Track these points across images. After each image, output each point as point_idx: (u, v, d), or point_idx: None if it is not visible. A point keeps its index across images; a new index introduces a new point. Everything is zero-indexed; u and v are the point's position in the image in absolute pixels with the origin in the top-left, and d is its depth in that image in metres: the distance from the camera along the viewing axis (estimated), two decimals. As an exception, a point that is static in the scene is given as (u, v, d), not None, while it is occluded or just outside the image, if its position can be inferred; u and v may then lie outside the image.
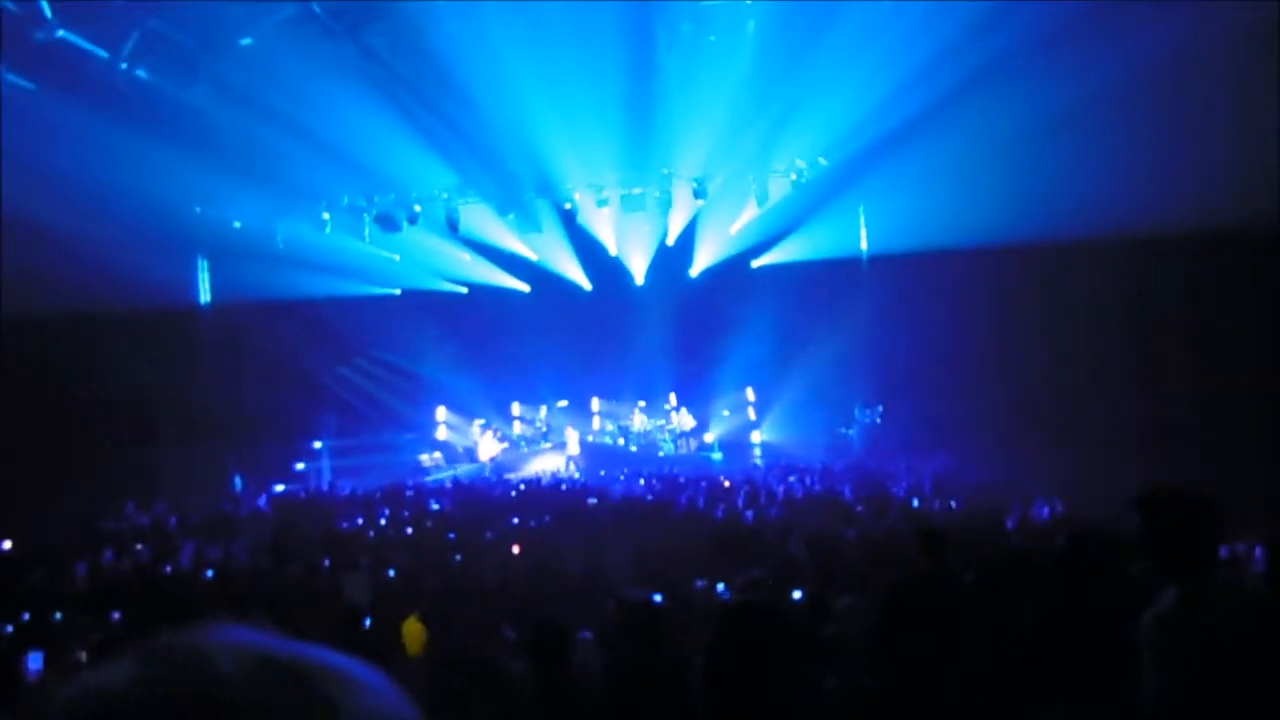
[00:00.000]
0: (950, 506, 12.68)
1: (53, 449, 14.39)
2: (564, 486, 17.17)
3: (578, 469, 20.36)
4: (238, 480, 18.29)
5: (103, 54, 12.65)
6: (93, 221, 13.76)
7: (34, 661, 4.43)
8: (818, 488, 15.02)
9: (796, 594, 6.81)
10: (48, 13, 11.49)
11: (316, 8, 12.32)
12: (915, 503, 12.95)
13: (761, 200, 18.79)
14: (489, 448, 21.24)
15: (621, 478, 17.58)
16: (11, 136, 12.33)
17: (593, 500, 14.42)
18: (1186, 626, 2.31)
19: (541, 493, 16.39)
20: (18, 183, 12.32)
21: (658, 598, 6.77)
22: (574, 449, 21.06)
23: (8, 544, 11.73)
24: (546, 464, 20.78)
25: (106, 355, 15.13)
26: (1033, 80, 12.55)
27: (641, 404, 21.85)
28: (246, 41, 13.10)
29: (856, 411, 19.74)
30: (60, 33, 11.71)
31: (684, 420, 21.39)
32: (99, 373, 15.09)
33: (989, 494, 13.16)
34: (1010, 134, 13.33)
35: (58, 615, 7.90)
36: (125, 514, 14.28)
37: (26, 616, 7.78)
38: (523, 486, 17.68)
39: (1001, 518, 10.76)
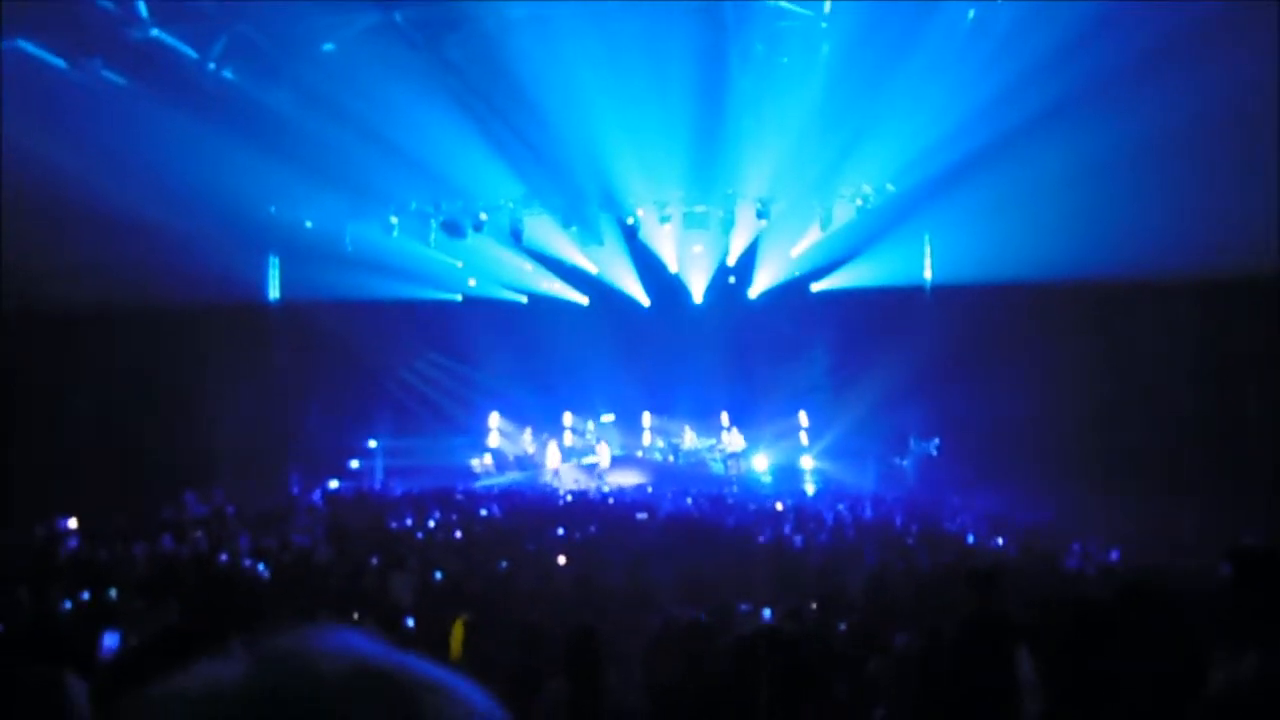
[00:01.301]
0: (1004, 544, 12.37)
1: (120, 437, 14.84)
2: (611, 500, 17.16)
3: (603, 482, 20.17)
4: (294, 475, 18.66)
5: (193, 54, 13.11)
6: (172, 215, 14.24)
7: (110, 640, 4.54)
8: (869, 516, 14.78)
9: (842, 625, 6.70)
10: (144, 12, 11.95)
11: (398, 17, 12.61)
12: (970, 539, 12.66)
13: (825, 224, 18.66)
14: (555, 458, 21.20)
15: (668, 495, 17.51)
16: (102, 130, 12.86)
17: (643, 515, 14.38)
18: (1268, 697, 2.16)
19: (589, 505, 16.41)
20: (104, 175, 12.82)
21: (702, 618, 6.72)
22: (604, 463, 20.95)
23: (73, 522, 12.13)
24: (620, 479, 20.58)
25: (176, 347, 15.61)
26: (1106, 114, 12.30)
27: (692, 423, 21.77)
28: (329, 47, 13.46)
29: (912, 442, 19.39)
30: (154, 32, 12.17)
31: (735, 441, 21.24)
32: (167, 364, 15.57)
33: (1045, 534, 12.81)
34: (1081, 168, 13.06)
35: (112, 593, 8.12)
36: (185, 503, 14.67)
37: (86, 595, 8.03)
38: (570, 498, 17.72)
39: (1059, 559, 10.47)
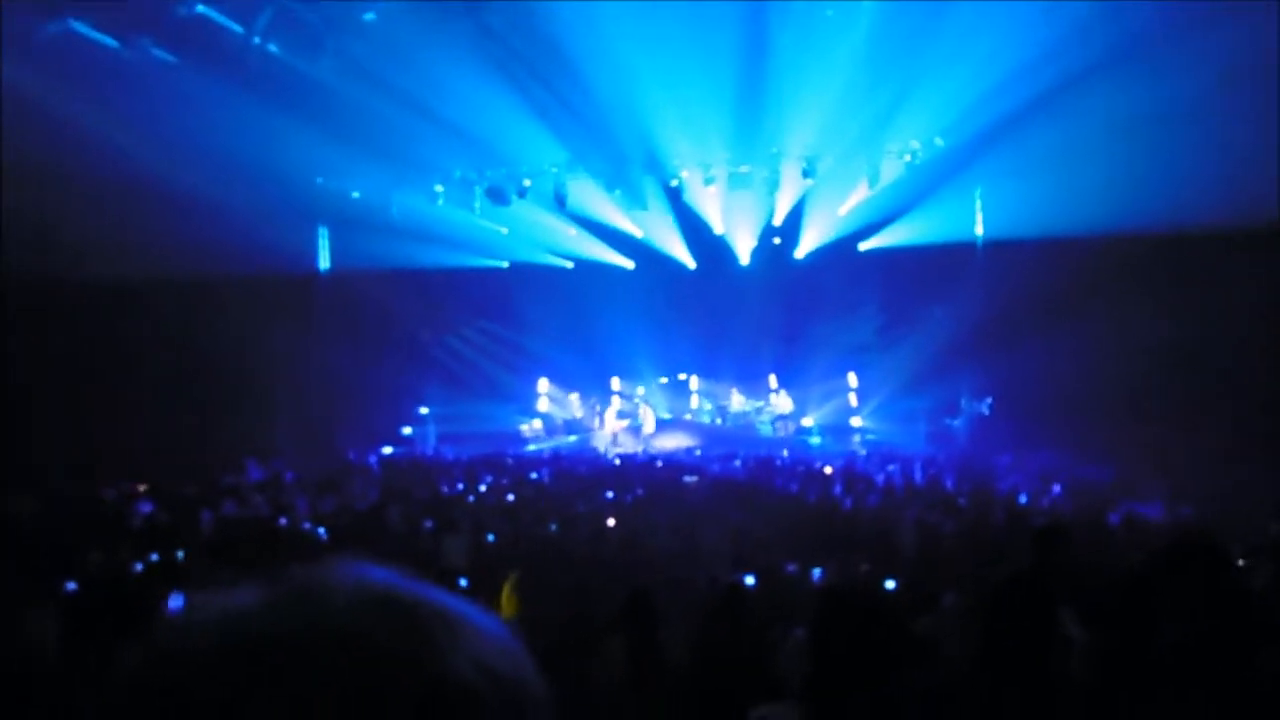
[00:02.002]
0: (1056, 503, 12.21)
1: (182, 406, 15.29)
2: (660, 464, 17.28)
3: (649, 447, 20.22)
4: (349, 441, 19.09)
5: (238, 29, 13.26)
6: (222, 189, 14.52)
7: (175, 602, 4.74)
8: (919, 477, 14.67)
9: (890, 584, 6.70)
10: (189, -11, 12.12)
11: (436, -16, 12.60)
12: (1023, 498, 12.52)
13: (873, 181, 18.34)
14: (613, 423, 21.33)
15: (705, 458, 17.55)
16: (154, 107, 13.12)
17: (691, 478, 14.45)
18: None
19: (638, 468, 16.54)
20: (157, 151, 13.10)
21: (750, 579, 6.77)
22: (650, 427, 20.99)
23: (142, 487, 12.58)
24: (668, 442, 20.65)
25: (233, 318, 15.99)
26: (1159, 62, 11.84)
27: (740, 385, 21.73)
28: (370, 17, 13.51)
29: (963, 402, 19.14)
30: (199, 8, 12.33)
31: (783, 403, 21.17)
32: (226, 334, 15.96)
33: (1100, 492, 12.60)
34: (1136, 117, 12.62)
35: (180, 554, 8.44)
36: (245, 469, 15.12)
37: (155, 556, 8.35)
38: (618, 461, 17.86)
39: (1105, 516, 10.31)
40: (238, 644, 0.57)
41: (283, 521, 11.00)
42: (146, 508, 11.19)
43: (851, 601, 4.04)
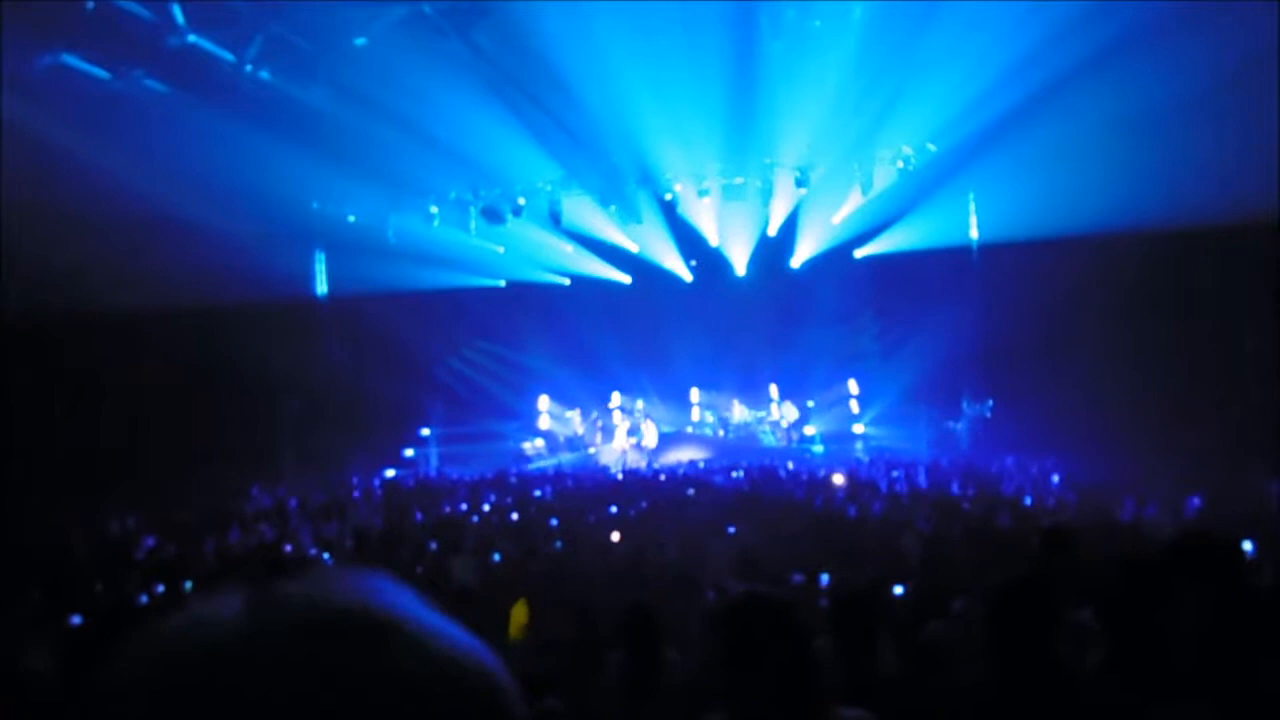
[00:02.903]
0: (1062, 504, 12.18)
1: (186, 433, 15.27)
2: (663, 477, 17.24)
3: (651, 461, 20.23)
4: (352, 465, 19.06)
5: (229, 57, 13.33)
6: (218, 217, 14.55)
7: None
8: (923, 483, 14.64)
9: (898, 589, 6.68)
10: (180, 19, 12.17)
11: (427, 8, 12.69)
12: (1028, 501, 12.49)
13: (866, 189, 18.40)
14: (622, 439, 21.35)
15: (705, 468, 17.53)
16: (146, 137, 13.17)
17: (691, 491, 14.43)
18: None
19: (642, 482, 16.50)
20: (151, 181, 13.14)
21: (755, 590, 6.73)
22: (651, 441, 20.99)
23: (144, 517, 12.55)
24: (671, 455, 20.63)
25: (233, 345, 15.98)
26: (1151, 62, 11.89)
27: (741, 396, 21.72)
28: (361, 42, 13.59)
29: (964, 405, 19.13)
30: (191, 38, 12.39)
31: (785, 412, 21.16)
32: (226, 361, 15.96)
33: (1102, 493, 12.57)
34: (1128, 118, 12.66)
35: (188, 585, 8.42)
36: (250, 495, 15.09)
37: (161, 588, 8.33)
38: (621, 477, 17.83)
39: (1113, 516, 10.28)
40: (210, 652, 0.58)
41: (288, 548, 10.97)
42: (151, 541, 11.17)
43: (859, 610, 4.03)
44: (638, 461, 20.12)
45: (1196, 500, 10.36)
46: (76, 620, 6.26)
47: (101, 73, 12.86)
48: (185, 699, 0.56)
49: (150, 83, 13.26)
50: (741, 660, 2.44)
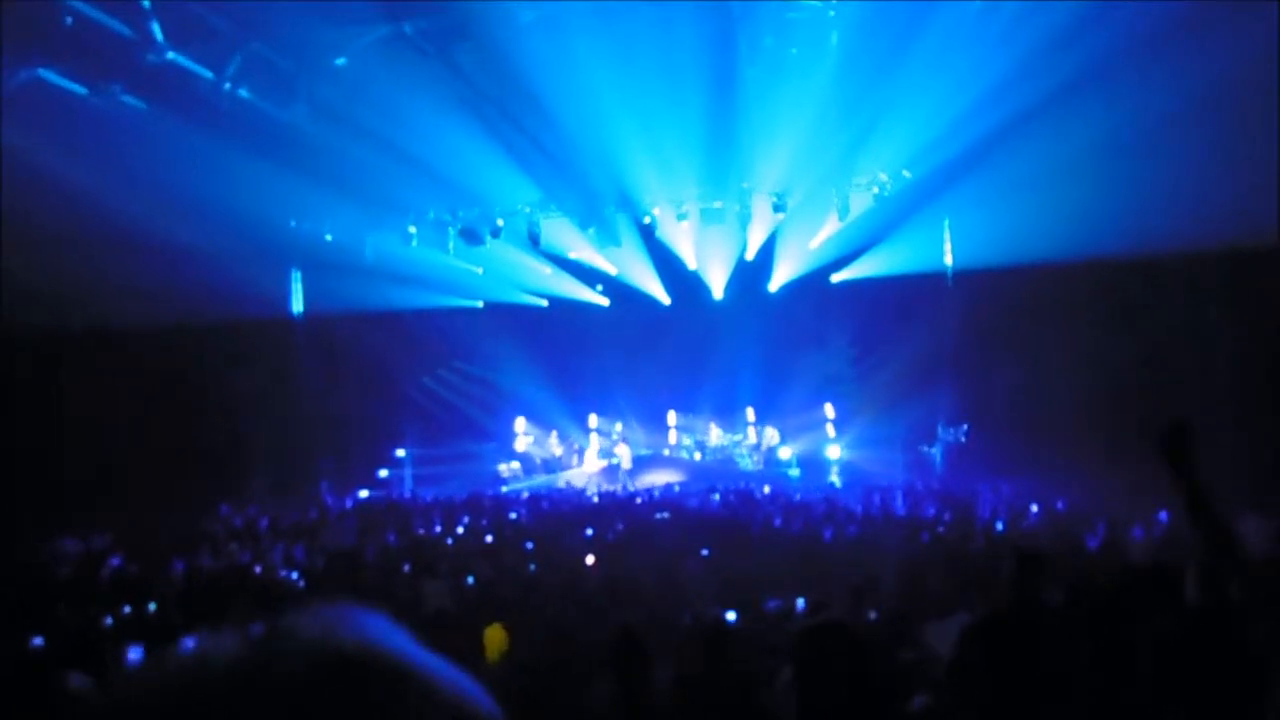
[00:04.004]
0: (1034, 529, 12.26)
1: (154, 452, 15.07)
2: (639, 500, 17.19)
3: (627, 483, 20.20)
4: (324, 485, 18.86)
5: (208, 75, 13.29)
6: (194, 234, 14.44)
7: (134, 654, 4.65)
8: (898, 507, 14.70)
9: (872, 614, 6.68)
10: (159, 35, 12.13)
11: (407, 28, 12.71)
12: (1000, 525, 12.56)
13: (843, 214, 18.58)
14: (592, 462, 21.31)
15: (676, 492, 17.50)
16: (125, 153, 13.07)
17: (663, 514, 14.40)
18: None
19: (617, 505, 16.45)
20: (128, 197, 13.03)
21: (731, 615, 6.73)
22: (626, 464, 20.96)
23: (110, 538, 12.32)
24: (647, 478, 20.59)
25: (206, 363, 15.83)
26: (1124, 88, 12.13)
27: (718, 419, 21.75)
28: (341, 62, 13.60)
29: (939, 429, 19.26)
30: (170, 54, 12.34)
31: (761, 435, 21.20)
32: (199, 379, 15.79)
33: (1077, 517, 12.68)
34: (1102, 144, 12.89)
35: (152, 606, 8.26)
36: (220, 515, 14.87)
37: (127, 609, 8.17)
38: (597, 499, 17.76)
39: (1083, 540, 10.37)
40: (193, 693, 0.57)
41: (258, 570, 10.82)
42: (116, 561, 10.97)
43: (834, 638, 4.03)
44: (613, 485, 20.06)
45: (1140, 532, 10.47)
46: (37, 642, 6.13)
47: (79, 88, 12.77)
48: None
49: (128, 99, 13.18)
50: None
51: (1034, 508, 12.92)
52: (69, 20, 11.24)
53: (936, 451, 19.35)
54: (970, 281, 17.88)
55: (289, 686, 0.57)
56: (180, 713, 0.56)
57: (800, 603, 7.34)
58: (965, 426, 18.93)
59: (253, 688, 0.57)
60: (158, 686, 0.58)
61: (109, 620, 7.75)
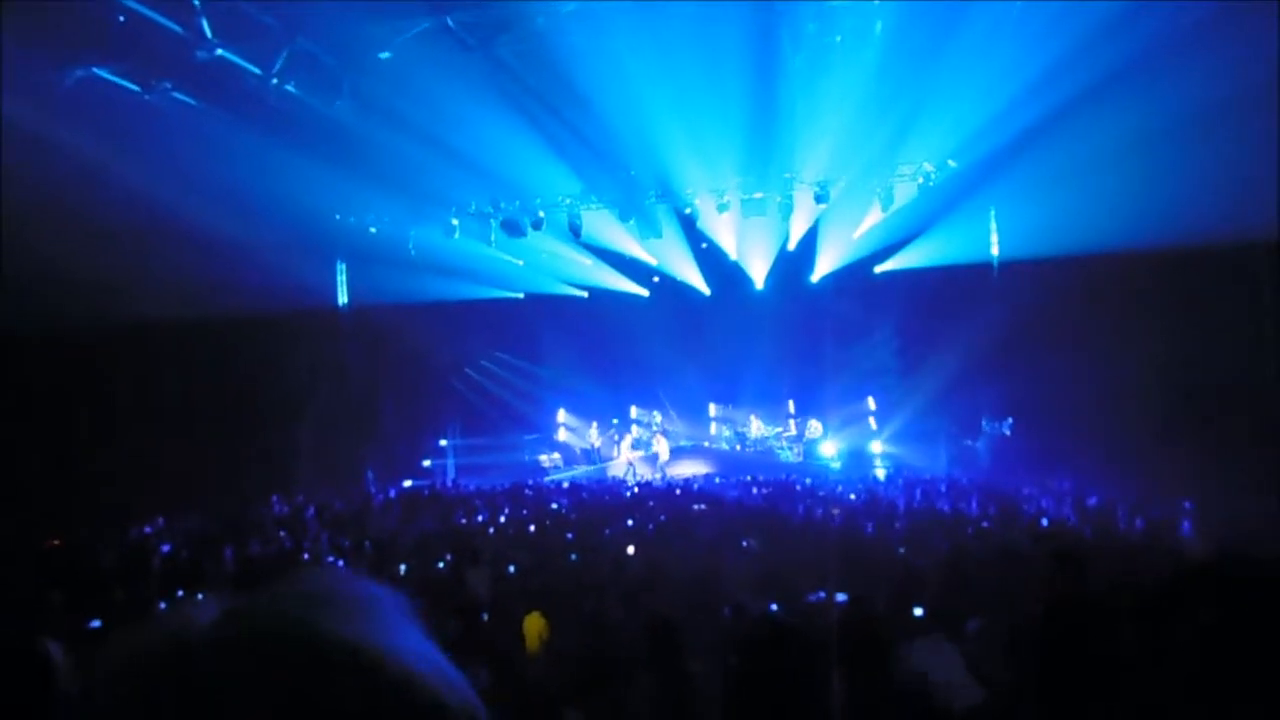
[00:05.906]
0: (1080, 525, 12.04)
1: (208, 442, 15.41)
2: (678, 491, 17.20)
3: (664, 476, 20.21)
4: (370, 475, 19.15)
5: (256, 71, 13.50)
6: (242, 228, 14.72)
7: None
8: (942, 501, 14.52)
9: (918, 611, 6.61)
10: (208, 33, 12.35)
11: (450, 21, 12.79)
12: (1045, 521, 12.36)
13: (886, 204, 18.37)
14: (629, 452, 21.36)
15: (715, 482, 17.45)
16: (175, 149, 13.37)
17: (700, 507, 14.38)
18: None
19: (656, 496, 16.47)
20: (179, 192, 13.33)
21: (773, 607, 6.71)
22: (664, 455, 20.95)
23: (164, 523, 12.64)
24: (685, 469, 20.63)
25: (254, 355, 16.13)
26: (1173, 76, 11.81)
27: (758, 411, 21.67)
28: (385, 56, 13.73)
29: (984, 423, 18.98)
30: (219, 51, 12.57)
31: (802, 428, 21.09)
32: (247, 371, 16.10)
33: (1123, 512, 12.42)
34: (1149, 133, 12.57)
35: (199, 596, 8.46)
36: (269, 504, 15.17)
37: (180, 594, 8.38)
38: (636, 489, 17.82)
39: (1129, 537, 10.17)
40: (175, 659, 0.59)
41: (305, 557, 11.02)
42: (167, 548, 11.25)
43: (875, 634, 4.00)
44: (650, 474, 20.10)
45: (1188, 527, 10.25)
46: (95, 624, 6.32)
47: (132, 85, 13.07)
48: (146, 701, 0.58)
49: (179, 95, 13.45)
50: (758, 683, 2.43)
51: (1090, 501, 12.69)
52: (121, 19, 11.50)
53: (981, 445, 19.09)
54: (1016, 272, 17.57)
55: (246, 659, 0.59)
56: (141, 678, 0.59)
57: (841, 597, 7.29)
58: (1010, 420, 18.64)
59: (212, 657, 0.59)
60: (125, 654, 0.61)
61: (162, 605, 7.96)
